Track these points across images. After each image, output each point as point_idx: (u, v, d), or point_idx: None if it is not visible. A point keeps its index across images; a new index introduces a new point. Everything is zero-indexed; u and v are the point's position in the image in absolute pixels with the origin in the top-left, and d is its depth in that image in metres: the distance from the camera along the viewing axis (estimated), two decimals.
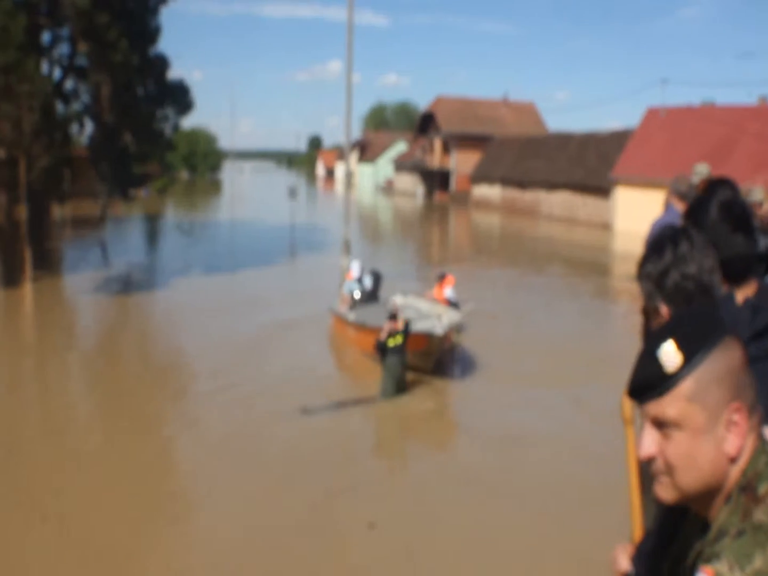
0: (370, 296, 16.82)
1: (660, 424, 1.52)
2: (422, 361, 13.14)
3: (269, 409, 11.76)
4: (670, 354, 1.49)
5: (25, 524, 8.17)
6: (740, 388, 1.49)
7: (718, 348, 1.48)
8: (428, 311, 15.22)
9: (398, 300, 15.79)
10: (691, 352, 1.48)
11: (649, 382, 1.52)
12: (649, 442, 1.54)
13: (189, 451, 10.39)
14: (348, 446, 10.52)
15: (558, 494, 8.73)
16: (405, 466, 10.07)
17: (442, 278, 16.78)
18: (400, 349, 12.16)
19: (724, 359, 1.48)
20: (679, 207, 6.88)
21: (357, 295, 16.51)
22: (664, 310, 2.32)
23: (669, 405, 1.50)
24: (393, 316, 12.40)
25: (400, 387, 12.21)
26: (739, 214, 2.74)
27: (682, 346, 1.49)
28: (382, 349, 12.15)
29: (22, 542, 7.70)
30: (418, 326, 13.02)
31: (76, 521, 8.14)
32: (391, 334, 12.17)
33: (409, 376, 12.64)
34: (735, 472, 1.51)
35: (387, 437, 11.50)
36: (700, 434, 1.49)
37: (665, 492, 1.56)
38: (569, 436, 10.72)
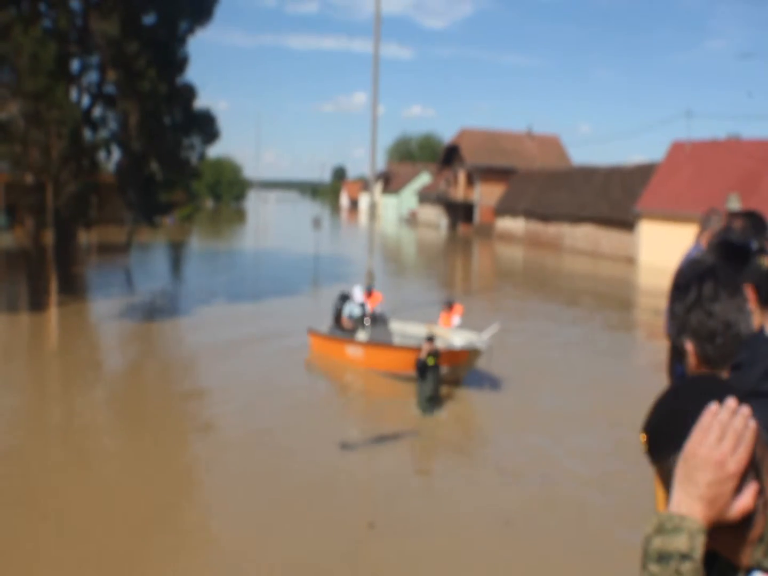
0: (373, 319, 17.00)
1: None
2: (456, 374, 14.48)
3: (295, 439, 11.72)
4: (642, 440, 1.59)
5: (24, 524, 8.16)
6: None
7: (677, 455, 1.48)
8: (421, 334, 16.05)
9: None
10: (652, 454, 1.55)
11: None
12: None
13: (209, 473, 10.34)
14: (382, 481, 10.44)
15: (581, 530, 8.60)
16: (439, 505, 9.92)
17: (450, 306, 17.04)
18: (436, 368, 13.32)
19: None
20: (703, 241, 6.81)
21: (367, 321, 16.70)
22: (689, 346, 2.32)
23: None
24: (430, 339, 13.71)
25: (436, 402, 13.29)
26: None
27: (649, 445, 1.55)
28: (422, 367, 13.21)
29: (22, 542, 7.70)
30: (457, 342, 14.83)
31: (78, 521, 8.15)
32: (430, 353, 13.38)
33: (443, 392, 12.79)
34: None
35: (420, 473, 11.39)
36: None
37: None
38: (596, 473, 10.59)
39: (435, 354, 13.49)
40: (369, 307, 17.17)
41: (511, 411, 13.51)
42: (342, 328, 16.88)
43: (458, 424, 12.94)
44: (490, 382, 15.12)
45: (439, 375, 13.47)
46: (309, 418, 12.90)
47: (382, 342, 15.78)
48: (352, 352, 16.20)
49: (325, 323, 17.82)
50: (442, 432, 12.31)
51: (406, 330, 16.78)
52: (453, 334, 15.75)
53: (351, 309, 17.01)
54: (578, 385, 15.55)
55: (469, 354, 14.33)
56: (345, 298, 17.46)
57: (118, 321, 21.21)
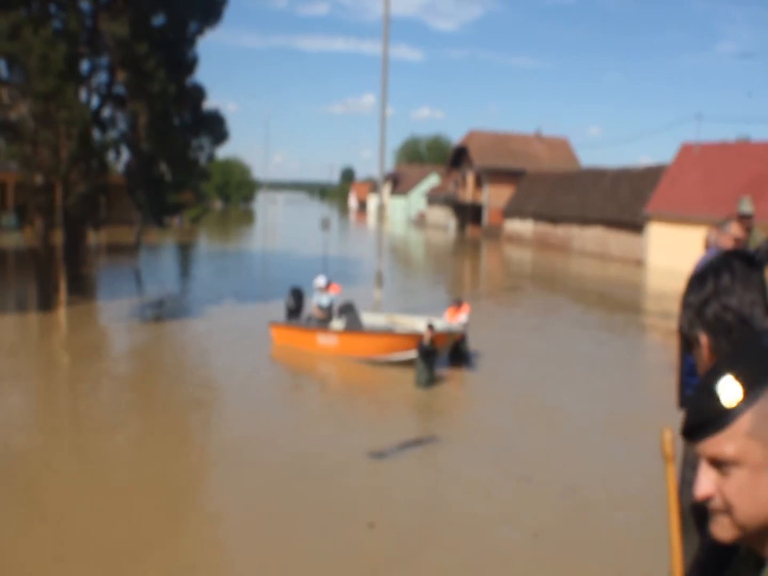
0: (343, 308, 17.74)
1: (717, 463, 1.43)
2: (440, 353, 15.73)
3: (300, 440, 11.71)
4: (729, 388, 1.41)
5: (24, 525, 8.17)
6: None
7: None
8: (380, 322, 17.68)
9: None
10: (751, 386, 1.40)
11: (705, 419, 1.43)
12: (707, 481, 1.45)
13: (214, 474, 10.34)
14: (403, 487, 10.41)
15: (598, 536, 8.58)
16: (462, 513, 9.87)
17: (459, 304, 17.45)
18: (433, 351, 14.94)
19: None
20: (725, 242, 6.76)
21: (335, 311, 17.73)
22: (704, 339, 2.29)
23: (727, 442, 1.41)
24: (430, 326, 15.11)
25: (432, 380, 14.90)
26: None
27: (741, 379, 1.41)
28: (426, 352, 14.74)
29: (22, 543, 7.72)
30: (421, 328, 16.07)
31: (79, 523, 8.16)
32: (432, 339, 14.98)
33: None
34: None
35: (439, 479, 11.36)
36: (760, 470, 1.40)
37: (723, 531, 1.46)
38: (613, 478, 10.55)
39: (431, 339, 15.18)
40: (336, 297, 18.14)
41: (529, 412, 13.48)
42: (299, 319, 17.98)
43: (476, 426, 12.85)
44: (504, 382, 15.31)
45: (436, 357, 15.09)
46: (312, 418, 12.90)
47: (356, 329, 16.82)
48: (325, 340, 17.12)
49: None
50: (458, 434, 12.24)
51: (366, 319, 17.70)
52: (415, 321, 17.24)
53: (319, 299, 17.81)
54: (588, 386, 15.53)
55: (448, 336, 15.83)
56: (296, 292, 18.25)
57: (127, 322, 21.24)
